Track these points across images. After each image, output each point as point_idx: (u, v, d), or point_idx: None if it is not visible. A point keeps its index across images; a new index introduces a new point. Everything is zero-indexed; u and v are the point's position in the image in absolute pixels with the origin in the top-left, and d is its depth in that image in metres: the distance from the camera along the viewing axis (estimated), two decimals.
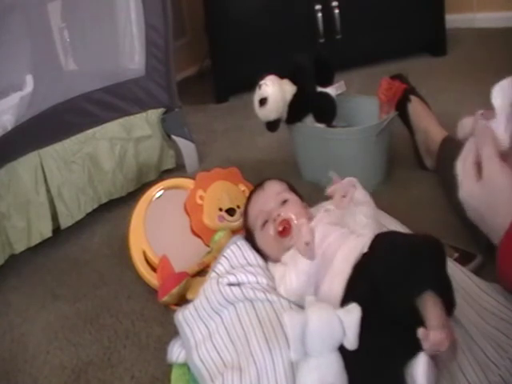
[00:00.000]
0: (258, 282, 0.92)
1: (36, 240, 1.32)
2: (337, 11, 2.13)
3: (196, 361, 0.87)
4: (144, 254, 1.18)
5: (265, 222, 0.97)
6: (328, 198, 0.96)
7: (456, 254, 1.05)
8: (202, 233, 1.20)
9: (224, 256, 0.99)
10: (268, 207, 0.98)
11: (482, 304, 0.87)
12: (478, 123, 0.75)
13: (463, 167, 0.74)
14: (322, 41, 2.16)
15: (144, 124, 1.56)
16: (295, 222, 0.94)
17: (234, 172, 1.32)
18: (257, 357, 0.80)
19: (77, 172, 1.41)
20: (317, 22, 2.14)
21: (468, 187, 0.72)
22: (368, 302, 0.70)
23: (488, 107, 0.76)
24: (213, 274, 0.97)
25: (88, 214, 1.44)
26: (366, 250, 0.80)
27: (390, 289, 0.71)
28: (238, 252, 0.99)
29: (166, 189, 1.28)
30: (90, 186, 1.44)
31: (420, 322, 0.69)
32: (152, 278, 1.14)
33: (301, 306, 0.83)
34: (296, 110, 1.40)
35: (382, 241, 0.78)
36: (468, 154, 0.75)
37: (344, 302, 0.75)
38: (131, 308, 1.13)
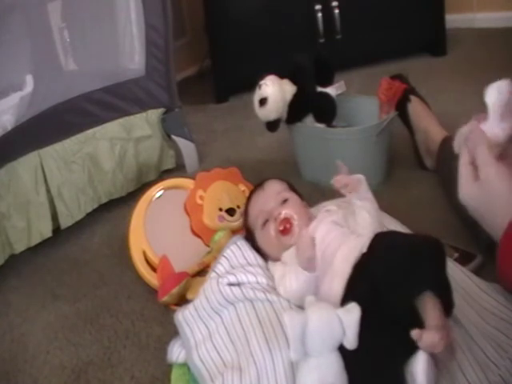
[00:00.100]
0: (257, 282, 0.92)
1: (36, 240, 1.32)
2: (337, 11, 2.13)
3: (196, 361, 0.87)
4: (144, 253, 1.18)
5: (265, 222, 0.97)
6: (328, 198, 0.97)
7: (456, 254, 1.05)
8: (202, 233, 1.20)
9: (224, 256, 0.99)
10: (268, 207, 0.98)
11: (482, 304, 0.87)
12: (471, 125, 0.74)
13: (460, 169, 0.74)
14: (322, 41, 2.16)
15: (144, 124, 1.56)
16: (296, 221, 0.94)
17: (234, 172, 1.32)
18: (257, 357, 0.80)
19: (77, 172, 1.41)
20: (317, 22, 2.14)
21: (466, 189, 0.72)
22: (368, 302, 0.70)
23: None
24: (213, 274, 0.97)
25: (88, 214, 1.44)
26: (365, 249, 0.79)
27: (389, 289, 0.71)
28: (237, 252, 0.99)
29: (166, 189, 1.28)
30: (90, 186, 1.44)
31: (420, 321, 0.69)
32: (152, 278, 1.14)
33: (301, 306, 0.83)
34: (296, 110, 1.40)
35: (381, 241, 0.78)
36: (464, 156, 0.75)
37: (344, 301, 0.75)
38: (131, 308, 1.13)
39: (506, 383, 0.74)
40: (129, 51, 1.58)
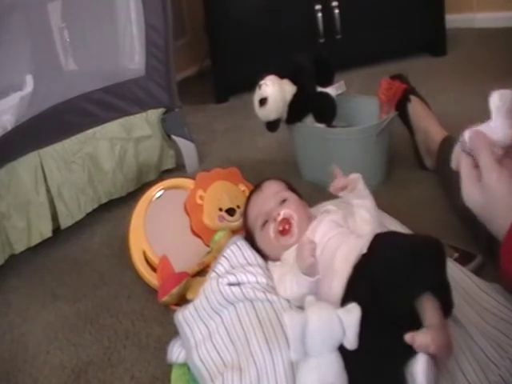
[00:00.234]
0: (257, 282, 0.92)
1: (36, 240, 1.32)
2: (337, 11, 2.13)
3: (196, 361, 0.87)
4: (144, 253, 1.18)
5: (265, 222, 0.97)
6: (328, 198, 0.96)
7: (456, 254, 1.05)
8: (202, 233, 1.20)
9: (224, 256, 0.99)
10: (267, 207, 0.98)
11: (482, 304, 0.87)
12: (470, 131, 0.74)
13: (462, 173, 0.74)
14: (322, 41, 2.16)
15: (144, 124, 1.56)
16: (295, 221, 0.94)
17: (234, 172, 1.32)
18: (257, 357, 0.80)
19: (77, 172, 1.41)
20: (317, 22, 2.14)
21: (470, 193, 0.72)
22: (368, 302, 0.70)
23: (487, 108, 0.75)
24: (213, 274, 0.97)
25: (88, 214, 1.44)
26: (365, 250, 0.79)
27: (390, 289, 0.71)
28: (237, 252, 0.99)
29: (166, 189, 1.28)
30: (90, 186, 1.44)
31: (420, 322, 0.69)
32: (152, 278, 1.14)
33: (301, 307, 0.83)
34: (296, 110, 1.40)
35: (381, 241, 0.78)
36: (465, 160, 0.75)
37: (344, 301, 0.75)
38: (131, 308, 1.13)
39: (506, 383, 0.74)
40: (129, 51, 1.58)
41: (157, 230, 1.20)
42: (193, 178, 1.29)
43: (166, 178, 1.39)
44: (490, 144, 0.72)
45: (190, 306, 0.94)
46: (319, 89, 1.42)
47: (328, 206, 1.02)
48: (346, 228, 0.92)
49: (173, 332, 0.96)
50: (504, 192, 0.67)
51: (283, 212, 0.96)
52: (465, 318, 0.82)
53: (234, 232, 1.16)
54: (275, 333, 0.82)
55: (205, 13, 2.16)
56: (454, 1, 2.35)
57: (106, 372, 0.98)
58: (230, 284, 0.92)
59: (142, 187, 1.50)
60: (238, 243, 1.01)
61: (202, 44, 2.31)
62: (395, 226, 1.04)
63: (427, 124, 1.39)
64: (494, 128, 0.72)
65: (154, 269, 1.16)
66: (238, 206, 1.21)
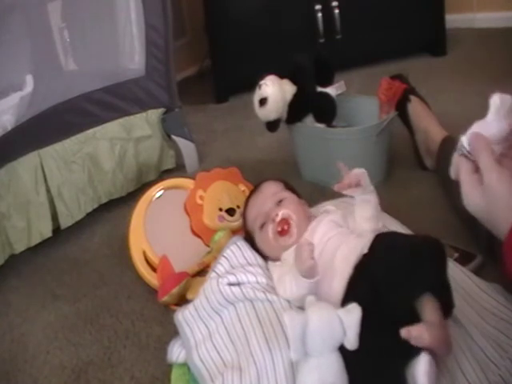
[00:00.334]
0: (257, 282, 0.92)
1: (36, 240, 1.32)
2: (337, 11, 2.13)
3: (196, 361, 0.87)
4: (144, 254, 1.18)
5: (263, 223, 0.97)
6: (328, 198, 0.96)
7: (456, 254, 1.05)
8: (202, 233, 1.20)
9: (224, 256, 0.99)
10: (266, 208, 0.98)
11: (482, 304, 0.87)
12: (470, 134, 0.75)
13: (462, 178, 0.74)
14: (322, 41, 2.16)
15: (144, 124, 1.56)
16: (294, 221, 0.94)
17: (234, 172, 1.32)
18: (257, 357, 0.80)
19: (77, 172, 1.41)
20: (317, 22, 2.14)
21: (471, 197, 0.72)
22: (368, 302, 0.70)
23: (487, 108, 0.76)
24: (213, 274, 0.97)
25: (88, 214, 1.44)
26: (366, 250, 0.79)
27: (390, 289, 0.71)
28: (237, 252, 0.99)
29: (166, 189, 1.28)
30: (90, 186, 1.44)
31: (420, 321, 0.69)
32: (152, 278, 1.14)
33: (301, 307, 0.83)
34: (296, 110, 1.40)
35: (382, 241, 0.78)
36: (464, 165, 0.75)
37: (344, 301, 0.75)
38: (131, 308, 1.13)
39: (506, 383, 0.74)
40: (129, 51, 1.58)
41: (157, 230, 1.20)
42: (193, 178, 1.29)
43: (166, 177, 1.39)
44: (490, 143, 0.72)
45: (190, 306, 0.94)
46: (319, 89, 1.42)
47: (327, 206, 1.02)
48: (345, 228, 0.92)
49: (173, 332, 0.96)
50: (504, 192, 0.67)
51: (282, 212, 0.95)
52: (465, 318, 0.82)
53: (234, 232, 1.16)
54: (275, 333, 0.82)
55: (205, 13, 2.16)
56: (454, 1, 2.35)
57: (105, 372, 0.98)
58: (230, 284, 0.92)
59: (142, 187, 1.50)
60: (238, 243, 1.01)
61: (202, 44, 2.31)
62: (395, 226, 1.04)
63: (427, 124, 1.39)
64: (489, 123, 0.73)
65: (153, 269, 1.16)
66: (238, 206, 1.21)
